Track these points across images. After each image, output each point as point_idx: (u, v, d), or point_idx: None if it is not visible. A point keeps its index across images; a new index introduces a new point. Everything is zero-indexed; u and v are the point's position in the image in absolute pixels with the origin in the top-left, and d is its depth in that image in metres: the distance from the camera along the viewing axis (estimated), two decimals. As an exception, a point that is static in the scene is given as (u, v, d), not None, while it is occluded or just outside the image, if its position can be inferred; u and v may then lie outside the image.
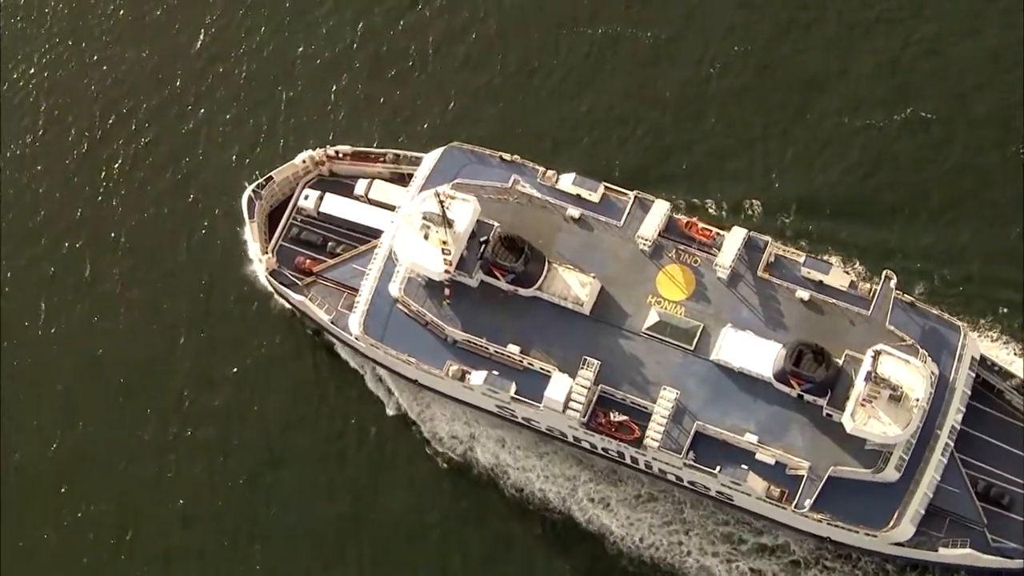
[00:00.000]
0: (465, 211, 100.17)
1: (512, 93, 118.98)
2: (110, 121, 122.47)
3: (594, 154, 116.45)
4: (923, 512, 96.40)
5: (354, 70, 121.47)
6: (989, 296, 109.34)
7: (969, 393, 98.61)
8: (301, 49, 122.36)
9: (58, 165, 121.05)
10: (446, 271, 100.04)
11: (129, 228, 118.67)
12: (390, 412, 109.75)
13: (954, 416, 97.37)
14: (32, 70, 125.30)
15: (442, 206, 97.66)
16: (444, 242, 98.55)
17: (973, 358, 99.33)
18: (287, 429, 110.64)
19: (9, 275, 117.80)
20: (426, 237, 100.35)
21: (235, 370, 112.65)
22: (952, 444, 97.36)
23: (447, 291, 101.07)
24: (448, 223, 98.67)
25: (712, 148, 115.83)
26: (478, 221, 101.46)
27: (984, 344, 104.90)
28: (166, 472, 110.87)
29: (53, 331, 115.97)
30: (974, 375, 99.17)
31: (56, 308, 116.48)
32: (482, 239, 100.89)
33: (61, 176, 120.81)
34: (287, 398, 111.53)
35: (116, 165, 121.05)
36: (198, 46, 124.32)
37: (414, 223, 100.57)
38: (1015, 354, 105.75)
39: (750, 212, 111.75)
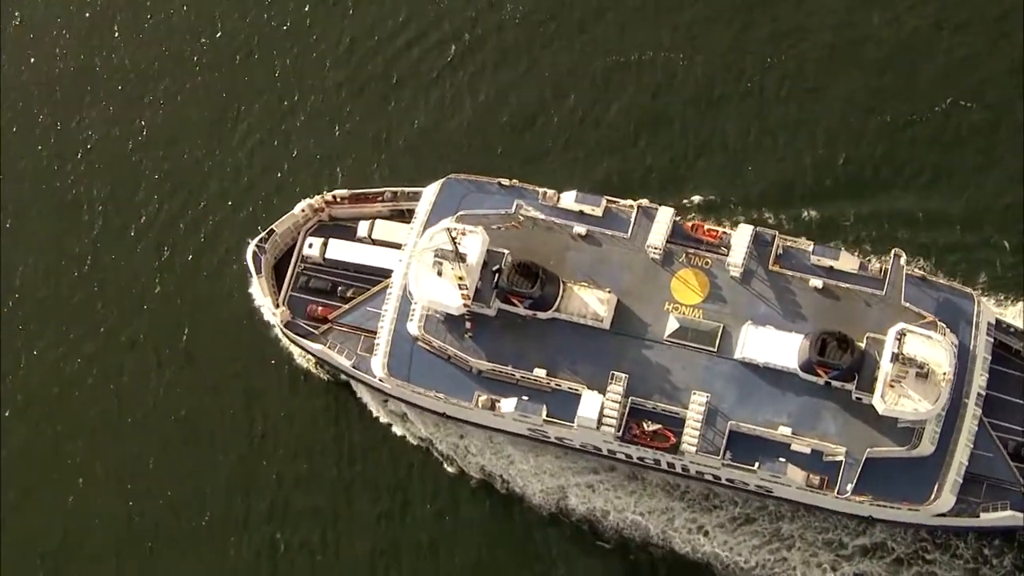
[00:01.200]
0: (475, 243, 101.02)
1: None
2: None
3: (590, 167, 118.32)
4: (961, 480, 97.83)
5: (342, 113, 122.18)
6: (988, 258, 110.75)
7: (990, 358, 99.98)
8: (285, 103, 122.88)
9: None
10: (464, 305, 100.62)
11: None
12: (450, 470, 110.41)
13: (979, 383, 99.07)
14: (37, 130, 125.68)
15: (454, 242, 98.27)
16: (460, 277, 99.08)
17: (989, 323, 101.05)
18: (348, 489, 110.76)
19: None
20: (439, 273, 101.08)
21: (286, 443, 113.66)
22: (980, 410, 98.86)
23: (468, 324, 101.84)
24: (460, 257, 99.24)
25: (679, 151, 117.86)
26: (488, 250, 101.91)
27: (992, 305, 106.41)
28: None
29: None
30: (992, 340, 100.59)
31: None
32: (494, 268, 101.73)
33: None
34: (333, 458, 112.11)
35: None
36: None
37: (426, 261, 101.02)
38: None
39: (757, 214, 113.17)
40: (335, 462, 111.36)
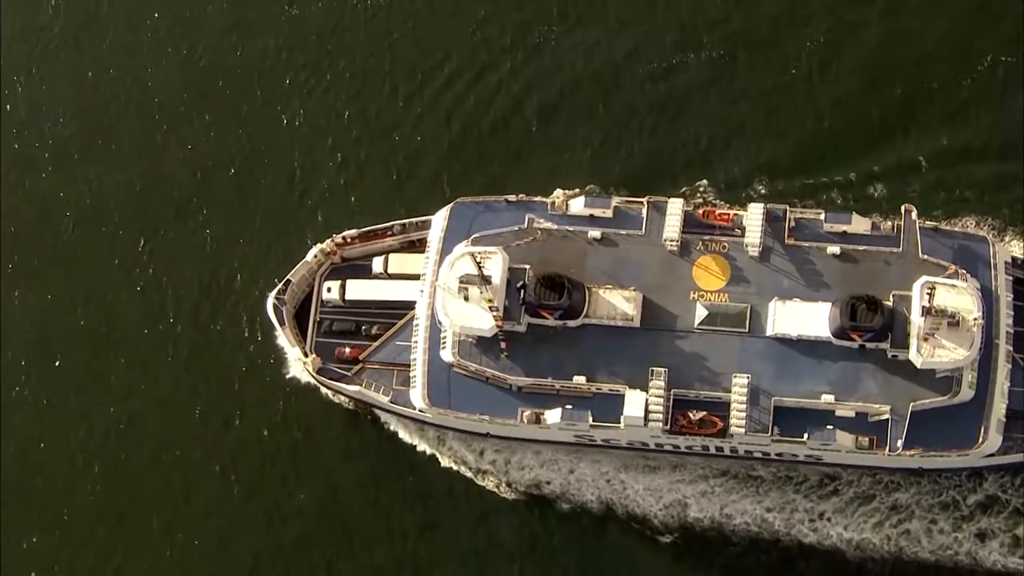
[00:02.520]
0: (496, 264, 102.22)
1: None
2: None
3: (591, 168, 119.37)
4: (1004, 420, 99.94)
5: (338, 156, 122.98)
6: (987, 199, 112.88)
7: (1012, 297, 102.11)
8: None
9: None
10: (496, 325, 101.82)
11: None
12: (565, 507, 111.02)
13: (1006, 322, 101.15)
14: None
15: (479, 266, 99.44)
16: (489, 299, 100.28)
17: (1006, 262, 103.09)
18: (426, 529, 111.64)
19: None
20: (466, 298, 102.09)
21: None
22: (1011, 349, 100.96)
23: (503, 344, 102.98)
24: (486, 280, 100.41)
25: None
26: (509, 268, 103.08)
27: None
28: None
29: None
30: (1011, 278, 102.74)
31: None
32: (518, 285, 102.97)
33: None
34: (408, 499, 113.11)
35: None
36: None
37: (452, 288, 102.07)
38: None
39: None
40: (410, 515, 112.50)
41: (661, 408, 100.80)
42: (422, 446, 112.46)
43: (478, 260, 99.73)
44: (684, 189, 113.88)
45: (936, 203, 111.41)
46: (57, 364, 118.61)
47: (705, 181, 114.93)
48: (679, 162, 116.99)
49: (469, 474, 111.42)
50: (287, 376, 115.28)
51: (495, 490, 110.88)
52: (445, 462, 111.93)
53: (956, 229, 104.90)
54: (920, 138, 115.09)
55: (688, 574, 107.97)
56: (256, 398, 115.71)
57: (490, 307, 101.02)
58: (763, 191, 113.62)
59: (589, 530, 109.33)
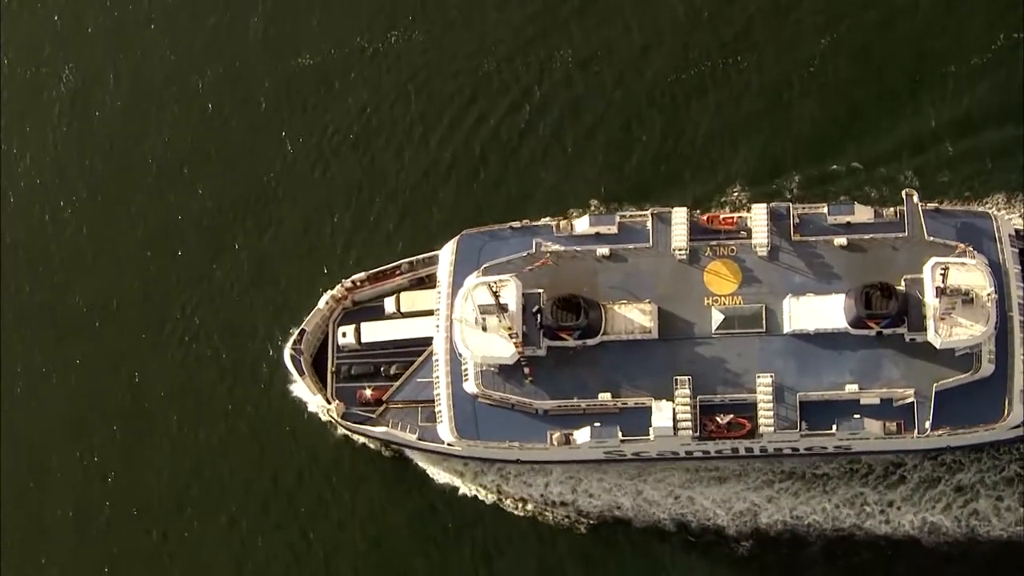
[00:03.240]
0: (510, 291, 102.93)
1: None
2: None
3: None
4: None
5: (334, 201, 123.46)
6: (981, 174, 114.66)
7: (1020, 268, 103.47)
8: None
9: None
10: (518, 352, 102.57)
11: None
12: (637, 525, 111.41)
13: (1018, 294, 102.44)
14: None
15: (495, 295, 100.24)
16: (508, 327, 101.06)
17: (1010, 235, 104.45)
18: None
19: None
20: (484, 329, 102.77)
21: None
22: None
23: (526, 370, 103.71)
24: (503, 308, 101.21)
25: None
26: (523, 293, 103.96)
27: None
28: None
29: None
30: (1017, 250, 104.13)
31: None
32: (534, 310, 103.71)
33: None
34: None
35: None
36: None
37: (469, 320, 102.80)
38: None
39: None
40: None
41: (689, 416, 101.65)
42: (480, 494, 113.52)
43: (494, 289, 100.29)
44: (720, 198, 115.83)
45: (937, 183, 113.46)
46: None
47: (738, 186, 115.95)
48: (687, 167, 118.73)
49: (533, 510, 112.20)
50: (308, 420, 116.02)
51: (568, 524, 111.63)
52: (508, 505, 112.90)
53: (958, 208, 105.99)
54: (914, 119, 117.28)
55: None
56: (289, 448, 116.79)
57: (510, 334, 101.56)
58: (775, 187, 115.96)
59: (669, 548, 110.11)
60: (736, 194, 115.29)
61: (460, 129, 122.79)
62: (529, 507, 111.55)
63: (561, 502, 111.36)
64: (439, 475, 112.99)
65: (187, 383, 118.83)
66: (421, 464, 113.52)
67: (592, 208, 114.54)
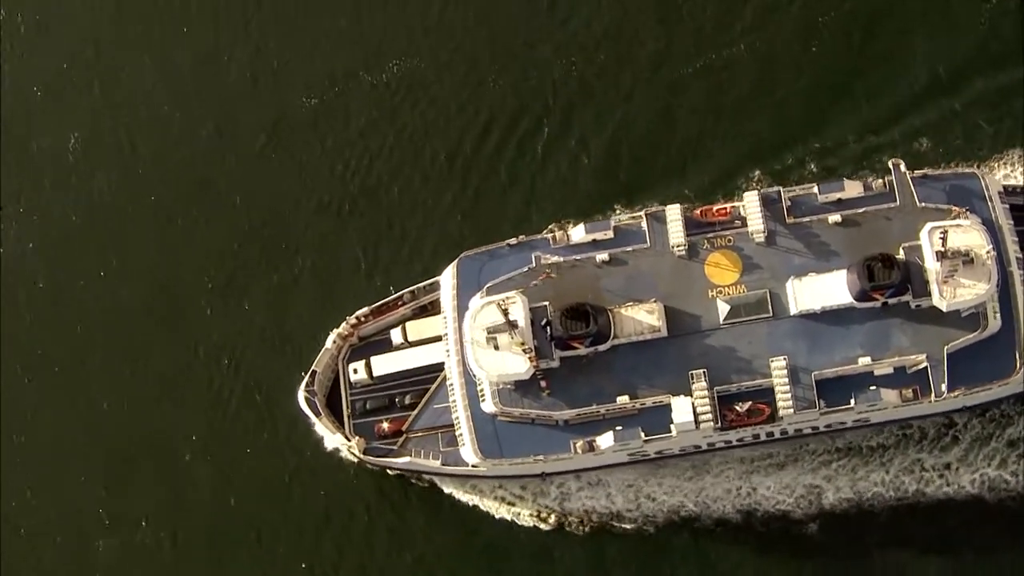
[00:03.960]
0: (518, 307, 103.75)
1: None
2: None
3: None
4: None
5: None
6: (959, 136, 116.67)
7: (1013, 223, 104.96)
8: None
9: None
10: (533, 367, 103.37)
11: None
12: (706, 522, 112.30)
13: (1013, 249, 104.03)
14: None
15: (505, 313, 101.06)
16: (521, 343, 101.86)
17: (998, 192, 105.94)
18: None
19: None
20: (496, 347, 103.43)
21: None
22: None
23: (542, 383, 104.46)
24: (513, 325, 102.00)
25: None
26: (530, 308, 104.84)
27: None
28: None
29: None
30: (1007, 206, 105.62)
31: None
32: (543, 323, 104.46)
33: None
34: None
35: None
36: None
37: (480, 340, 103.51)
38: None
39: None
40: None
41: (708, 408, 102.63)
42: (529, 521, 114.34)
43: (503, 307, 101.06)
44: (740, 182, 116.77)
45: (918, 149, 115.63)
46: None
47: (758, 172, 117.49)
48: (679, 162, 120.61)
49: (596, 522, 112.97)
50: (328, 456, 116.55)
51: (636, 530, 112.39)
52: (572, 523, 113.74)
53: (945, 171, 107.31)
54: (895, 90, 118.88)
55: (844, 556, 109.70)
56: (314, 492, 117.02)
57: (523, 350, 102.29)
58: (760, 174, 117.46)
59: (740, 540, 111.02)
60: (747, 182, 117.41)
61: (440, 156, 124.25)
62: (595, 519, 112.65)
63: (625, 510, 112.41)
64: (497, 509, 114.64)
65: (212, 428, 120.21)
66: (467, 496, 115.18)
67: (617, 210, 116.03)
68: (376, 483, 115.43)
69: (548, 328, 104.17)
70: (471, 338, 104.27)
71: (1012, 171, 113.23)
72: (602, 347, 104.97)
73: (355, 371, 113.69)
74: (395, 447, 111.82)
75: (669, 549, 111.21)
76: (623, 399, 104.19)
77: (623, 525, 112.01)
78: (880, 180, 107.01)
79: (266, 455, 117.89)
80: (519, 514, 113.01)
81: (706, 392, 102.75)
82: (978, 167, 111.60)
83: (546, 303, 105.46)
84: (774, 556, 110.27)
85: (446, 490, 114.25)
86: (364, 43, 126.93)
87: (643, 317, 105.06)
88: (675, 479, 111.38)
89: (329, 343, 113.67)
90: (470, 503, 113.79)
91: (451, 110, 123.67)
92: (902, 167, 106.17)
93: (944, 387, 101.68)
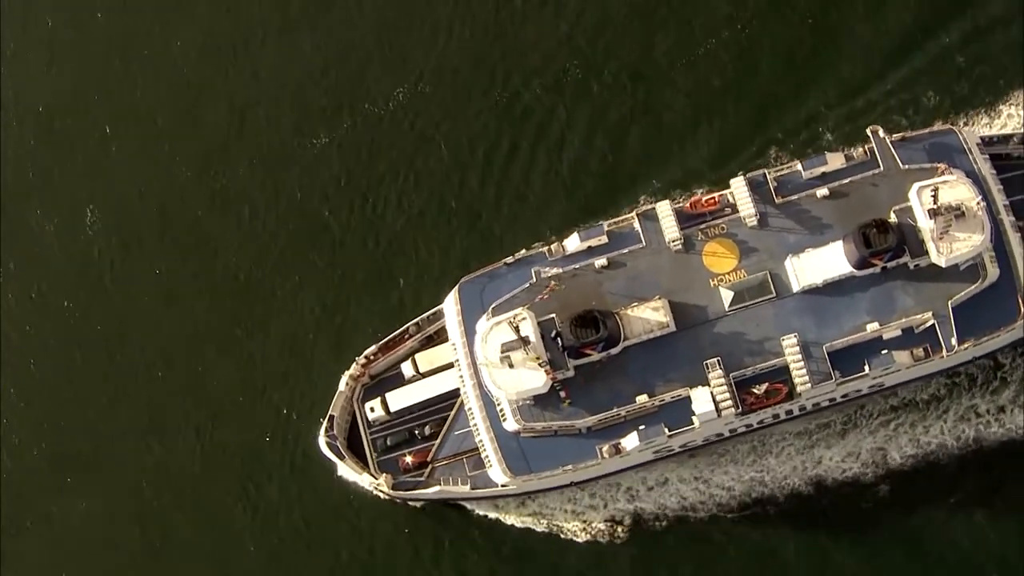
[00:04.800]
0: (527, 323, 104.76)
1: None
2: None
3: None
4: None
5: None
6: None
7: (996, 172, 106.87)
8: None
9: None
10: (551, 379, 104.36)
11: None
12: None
13: (999, 198, 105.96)
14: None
15: (517, 330, 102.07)
16: (537, 357, 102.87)
17: (977, 144, 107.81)
18: None
19: None
20: (510, 366, 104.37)
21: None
22: (1014, 219, 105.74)
23: (562, 394, 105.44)
24: (525, 342, 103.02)
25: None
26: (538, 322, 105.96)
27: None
28: None
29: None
30: (988, 156, 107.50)
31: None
32: (552, 336, 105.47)
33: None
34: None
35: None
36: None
37: (494, 361, 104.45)
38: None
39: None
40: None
41: (727, 395, 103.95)
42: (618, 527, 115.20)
43: (514, 324, 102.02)
44: (758, 162, 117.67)
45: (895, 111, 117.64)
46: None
47: (775, 148, 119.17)
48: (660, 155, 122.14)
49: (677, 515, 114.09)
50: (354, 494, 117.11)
51: (718, 517, 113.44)
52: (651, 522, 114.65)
53: (923, 131, 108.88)
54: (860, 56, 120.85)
55: (925, 510, 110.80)
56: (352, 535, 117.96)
57: (539, 364, 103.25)
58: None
59: (814, 512, 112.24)
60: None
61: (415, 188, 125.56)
62: (669, 514, 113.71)
63: (699, 503, 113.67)
64: (571, 525, 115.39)
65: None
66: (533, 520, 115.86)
67: (640, 201, 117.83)
68: (413, 516, 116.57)
69: (559, 339, 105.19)
70: (485, 360, 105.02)
71: (991, 122, 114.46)
72: (614, 350, 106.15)
73: (372, 409, 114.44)
74: (422, 478, 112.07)
75: (761, 525, 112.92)
76: (642, 398, 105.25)
77: (698, 515, 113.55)
78: (861, 149, 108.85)
79: (295, 504, 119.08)
80: (590, 524, 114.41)
81: (723, 379, 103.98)
82: (954, 123, 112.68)
83: (553, 315, 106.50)
84: (852, 519, 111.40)
85: (507, 520, 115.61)
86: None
87: (650, 315, 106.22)
88: (737, 466, 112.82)
89: (342, 385, 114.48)
90: (541, 526, 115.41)
91: (441, 138, 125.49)
92: (880, 133, 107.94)
93: (954, 341, 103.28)
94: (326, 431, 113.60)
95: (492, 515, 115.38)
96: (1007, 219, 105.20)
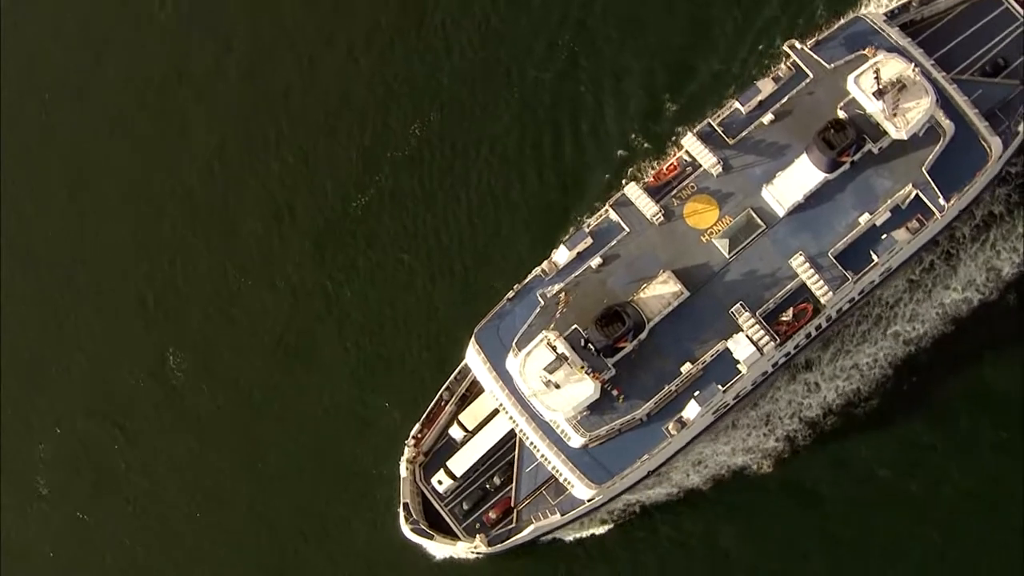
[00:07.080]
0: (559, 343, 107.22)
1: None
2: None
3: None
4: (987, 123, 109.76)
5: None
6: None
7: (911, 39, 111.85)
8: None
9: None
10: (600, 383, 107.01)
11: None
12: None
13: (924, 60, 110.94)
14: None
15: (554, 350, 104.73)
16: (581, 367, 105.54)
17: (884, 21, 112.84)
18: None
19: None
20: (556, 387, 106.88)
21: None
22: (945, 73, 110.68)
23: (615, 392, 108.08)
24: (564, 358, 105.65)
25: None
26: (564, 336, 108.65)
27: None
28: None
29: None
30: (897, 28, 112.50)
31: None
32: (583, 344, 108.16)
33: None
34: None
35: None
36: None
37: (539, 388, 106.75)
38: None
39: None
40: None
41: (762, 332, 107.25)
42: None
43: (551, 342, 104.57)
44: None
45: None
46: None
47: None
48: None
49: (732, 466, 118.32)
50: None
51: (760, 471, 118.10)
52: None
53: (832, 28, 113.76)
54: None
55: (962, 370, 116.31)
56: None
57: (586, 372, 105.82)
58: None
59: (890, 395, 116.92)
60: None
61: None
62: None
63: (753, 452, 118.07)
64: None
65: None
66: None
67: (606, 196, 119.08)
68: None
69: (590, 345, 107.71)
70: (531, 391, 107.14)
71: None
72: (643, 335, 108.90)
73: (440, 482, 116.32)
74: (512, 525, 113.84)
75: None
76: (686, 367, 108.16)
77: (761, 469, 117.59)
78: (784, 66, 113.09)
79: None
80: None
81: (752, 319, 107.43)
82: (856, 10, 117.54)
83: (575, 326, 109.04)
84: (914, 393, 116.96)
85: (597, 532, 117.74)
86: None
87: (662, 290, 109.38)
88: (833, 368, 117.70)
89: (403, 472, 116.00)
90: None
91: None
92: (798, 44, 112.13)
93: (941, 200, 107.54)
94: (406, 519, 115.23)
95: (583, 534, 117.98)
96: (939, 75, 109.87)
